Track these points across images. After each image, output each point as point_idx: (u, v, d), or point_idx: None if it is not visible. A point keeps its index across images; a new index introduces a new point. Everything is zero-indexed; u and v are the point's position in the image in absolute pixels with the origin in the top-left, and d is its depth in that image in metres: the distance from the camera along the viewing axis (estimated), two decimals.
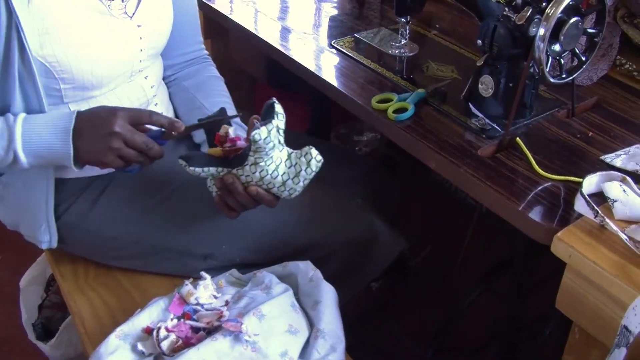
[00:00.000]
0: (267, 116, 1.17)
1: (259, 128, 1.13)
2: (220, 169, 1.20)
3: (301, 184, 1.21)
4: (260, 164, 1.17)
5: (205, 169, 1.19)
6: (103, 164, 1.23)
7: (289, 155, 1.20)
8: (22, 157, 1.21)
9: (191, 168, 1.19)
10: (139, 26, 1.32)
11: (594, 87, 1.51)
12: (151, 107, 1.44)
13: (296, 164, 1.19)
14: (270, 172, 1.18)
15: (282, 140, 1.19)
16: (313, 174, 1.20)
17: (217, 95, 1.53)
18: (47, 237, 1.39)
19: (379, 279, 2.09)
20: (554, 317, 1.83)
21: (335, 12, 1.89)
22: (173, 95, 1.57)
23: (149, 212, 1.38)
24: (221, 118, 1.26)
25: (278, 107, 1.18)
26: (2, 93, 1.22)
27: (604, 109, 1.44)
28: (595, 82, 1.53)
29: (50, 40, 1.19)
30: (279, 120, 1.17)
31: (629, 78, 1.56)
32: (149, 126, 1.26)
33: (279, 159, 1.19)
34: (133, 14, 1.32)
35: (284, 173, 1.20)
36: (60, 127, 1.21)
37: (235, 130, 1.25)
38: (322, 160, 1.20)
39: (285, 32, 1.76)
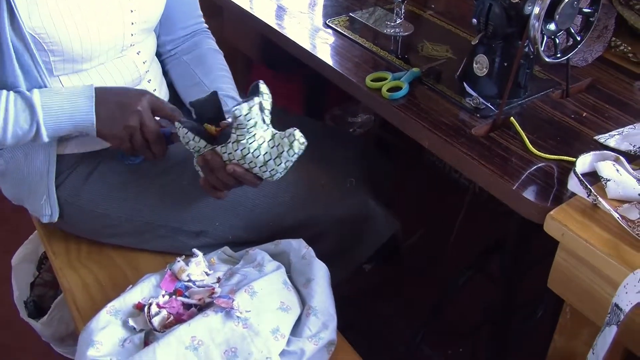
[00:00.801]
0: (252, 95, 1.17)
1: (240, 104, 1.13)
2: (208, 145, 1.21)
3: (283, 165, 1.20)
4: (242, 141, 1.17)
5: (196, 138, 1.20)
6: (114, 137, 1.25)
7: (273, 136, 1.20)
8: (44, 130, 1.22)
9: (183, 129, 1.20)
10: None
11: (588, 68, 1.51)
12: (144, 84, 1.43)
13: (279, 144, 1.19)
14: (251, 150, 1.18)
15: (267, 120, 1.19)
16: (295, 155, 1.20)
17: (216, 70, 1.52)
18: (48, 210, 1.39)
19: (372, 261, 2.09)
20: (546, 298, 1.84)
21: None
22: (172, 71, 1.56)
23: (142, 190, 1.38)
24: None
25: (263, 87, 1.18)
26: (1, 68, 1.21)
27: (599, 89, 1.44)
28: (590, 64, 1.52)
29: (38, 10, 1.18)
30: (264, 99, 1.16)
31: (623, 59, 1.55)
32: (162, 123, 1.27)
33: (262, 138, 1.18)
34: None
35: (266, 153, 1.19)
36: (83, 94, 1.23)
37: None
38: (305, 143, 1.19)
39: (280, 11, 1.75)
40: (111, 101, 1.23)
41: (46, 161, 1.35)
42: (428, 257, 2.22)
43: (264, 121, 1.18)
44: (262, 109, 1.17)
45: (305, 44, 1.57)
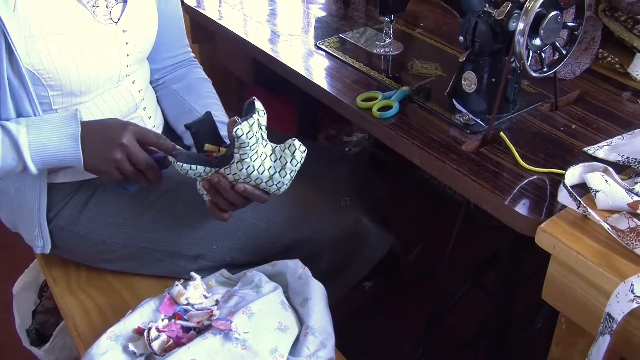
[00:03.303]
0: (248, 113, 1.19)
1: (240, 124, 1.14)
2: (207, 168, 1.22)
3: (288, 176, 1.22)
4: (246, 160, 1.18)
5: (193, 166, 1.21)
6: (102, 172, 1.26)
7: (273, 150, 1.22)
8: (32, 166, 1.23)
9: (179, 164, 1.20)
10: (124, 31, 1.34)
11: (577, 81, 1.53)
12: (139, 112, 1.45)
13: (281, 156, 1.21)
14: (256, 167, 1.19)
15: (264, 135, 1.21)
16: (298, 165, 1.22)
17: (205, 97, 1.55)
18: (40, 242, 1.41)
19: (371, 278, 2.10)
20: (543, 309, 1.85)
21: (321, 13, 1.91)
22: (161, 99, 1.58)
23: (138, 215, 1.40)
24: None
25: (258, 104, 1.19)
26: None
27: (587, 101, 1.45)
28: (579, 76, 1.54)
29: (36, 47, 1.20)
30: (260, 116, 1.18)
31: (611, 71, 1.57)
32: (153, 149, 1.28)
33: (264, 154, 1.20)
34: (118, 19, 1.33)
35: (270, 167, 1.21)
36: (68, 133, 1.24)
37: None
38: (306, 150, 1.22)
39: (271, 34, 1.78)
40: (96, 138, 1.24)
41: (37, 196, 1.37)
42: (425, 271, 2.23)
43: (262, 137, 1.20)
44: (259, 125, 1.18)
45: (296, 67, 1.59)
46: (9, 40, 1.16)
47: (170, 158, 1.21)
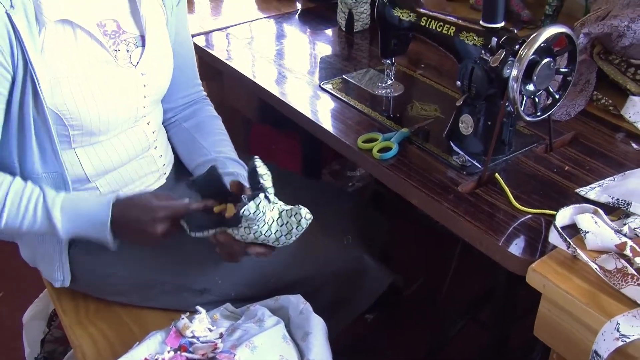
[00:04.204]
0: (252, 181, 1.25)
1: (247, 204, 1.20)
2: (218, 229, 1.29)
3: (293, 238, 1.29)
4: (254, 227, 1.25)
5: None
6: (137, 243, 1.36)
7: (280, 214, 1.27)
8: (62, 234, 1.31)
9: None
10: (142, 74, 1.40)
11: (571, 122, 1.58)
12: (151, 151, 1.51)
13: (287, 222, 1.27)
14: (263, 232, 1.26)
15: (271, 197, 1.26)
16: (303, 230, 1.28)
17: (215, 135, 1.61)
18: (60, 276, 1.46)
19: (373, 311, 2.14)
20: (538, 344, 1.88)
21: (327, 52, 1.97)
22: (173, 137, 1.64)
23: (147, 250, 1.45)
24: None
25: (261, 169, 1.25)
26: (19, 142, 1.29)
27: (581, 143, 1.50)
28: (574, 117, 1.59)
29: (61, 89, 1.26)
30: (264, 180, 1.24)
31: (605, 112, 1.62)
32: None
33: (271, 218, 1.26)
34: (137, 63, 1.39)
35: (277, 231, 1.27)
36: (99, 220, 1.30)
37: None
38: (312, 218, 1.27)
39: (277, 75, 1.84)
40: (130, 232, 1.32)
41: None
42: (425, 303, 2.26)
43: (269, 200, 1.25)
44: (265, 197, 1.23)
45: (301, 107, 1.65)
46: (36, 82, 1.22)
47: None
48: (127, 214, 1.31)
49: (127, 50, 1.38)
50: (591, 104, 1.65)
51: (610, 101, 1.62)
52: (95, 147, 1.39)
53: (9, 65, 1.21)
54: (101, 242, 1.32)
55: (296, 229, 1.26)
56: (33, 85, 1.24)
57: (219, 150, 1.55)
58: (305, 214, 1.26)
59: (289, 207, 1.28)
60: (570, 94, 1.62)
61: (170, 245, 1.44)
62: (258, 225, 1.24)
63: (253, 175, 1.25)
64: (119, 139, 1.42)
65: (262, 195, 1.22)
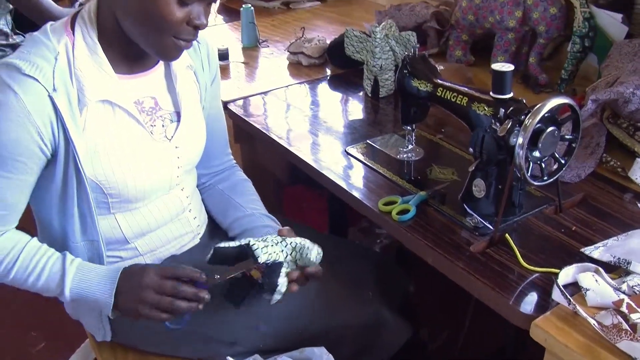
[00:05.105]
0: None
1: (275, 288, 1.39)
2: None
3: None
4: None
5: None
6: (138, 313, 1.38)
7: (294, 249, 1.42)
8: (67, 294, 1.41)
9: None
10: (176, 147, 1.52)
11: (582, 183, 1.66)
12: (185, 214, 1.63)
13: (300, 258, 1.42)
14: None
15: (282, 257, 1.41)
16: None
17: (248, 194, 1.74)
18: (102, 330, 1.58)
19: None
20: None
21: (353, 118, 2.11)
22: (208, 198, 1.77)
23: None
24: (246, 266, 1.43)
25: (261, 256, 1.38)
26: (61, 212, 1.43)
27: (590, 204, 1.59)
28: (584, 178, 1.68)
29: (100, 162, 1.39)
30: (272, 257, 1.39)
31: (613, 174, 1.70)
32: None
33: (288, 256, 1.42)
34: (172, 137, 1.51)
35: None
36: (109, 277, 1.40)
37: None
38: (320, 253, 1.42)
39: (305, 139, 1.96)
40: (123, 287, 1.39)
41: None
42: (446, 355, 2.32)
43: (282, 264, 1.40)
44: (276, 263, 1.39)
45: (326, 171, 1.77)
46: (76, 156, 1.36)
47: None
48: (126, 273, 1.40)
49: (163, 125, 1.50)
50: (601, 165, 1.73)
51: (618, 163, 1.71)
52: (133, 213, 1.51)
53: (47, 146, 1.33)
54: (103, 304, 1.39)
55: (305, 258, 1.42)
56: (74, 159, 1.36)
57: (252, 207, 1.68)
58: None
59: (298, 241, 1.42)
60: (581, 156, 1.71)
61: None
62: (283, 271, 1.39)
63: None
64: (155, 205, 1.54)
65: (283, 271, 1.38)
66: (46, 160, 1.36)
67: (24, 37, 3.02)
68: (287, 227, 1.50)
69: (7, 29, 2.87)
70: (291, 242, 1.41)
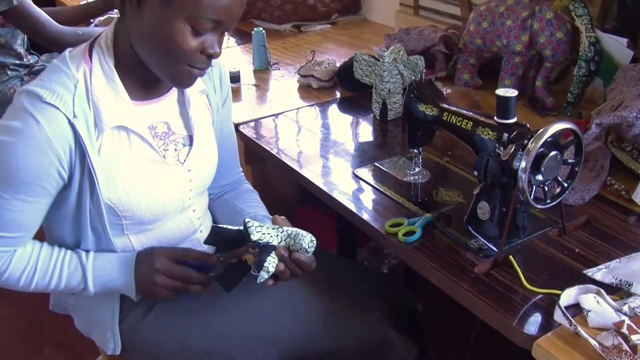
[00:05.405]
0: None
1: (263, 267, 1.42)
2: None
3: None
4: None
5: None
6: (155, 295, 1.50)
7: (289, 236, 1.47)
8: (91, 288, 1.48)
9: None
10: (189, 170, 1.56)
11: (586, 206, 1.69)
12: (197, 235, 1.68)
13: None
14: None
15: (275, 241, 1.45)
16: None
17: (252, 201, 1.78)
18: (112, 344, 1.61)
19: None
20: None
21: (361, 140, 2.15)
22: (215, 207, 1.81)
23: (192, 327, 1.60)
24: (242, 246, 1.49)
25: (255, 234, 1.42)
26: (75, 230, 1.47)
27: (593, 226, 1.61)
28: (588, 201, 1.70)
29: (115, 185, 1.44)
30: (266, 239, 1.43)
31: (617, 197, 1.73)
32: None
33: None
34: (184, 160, 1.56)
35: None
36: (126, 264, 1.49)
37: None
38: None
39: (314, 161, 2.00)
40: (138, 271, 1.50)
41: (111, 303, 1.59)
42: None
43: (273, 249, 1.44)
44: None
45: (334, 193, 1.81)
46: (95, 180, 1.40)
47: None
48: (140, 257, 1.51)
49: (175, 149, 1.54)
50: (605, 188, 1.75)
51: (622, 186, 1.73)
52: (146, 234, 1.56)
53: (65, 170, 1.38)
54: (125, 288, 1.52)
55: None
56: (91, 182, 1.41)
57: (254, 211, 1.72)
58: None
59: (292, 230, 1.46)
60: (586, 179, 1.74)
61: (212, 323, 1.60)
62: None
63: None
64: (168, 226, 1.59)
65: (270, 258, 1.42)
66: (63, 184, 1.41)
67: (38, 57, 3.08)
68: (283, 217, 1.54)
69: (21, 50, 2.91)
70: (287, 229, 1.46)
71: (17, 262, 1.45)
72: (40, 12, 2.73)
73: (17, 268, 1.46)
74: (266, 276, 1.41)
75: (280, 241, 1.44)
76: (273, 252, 1.43)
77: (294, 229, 1.46)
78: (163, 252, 1.50)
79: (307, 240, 1.45)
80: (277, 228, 1.45)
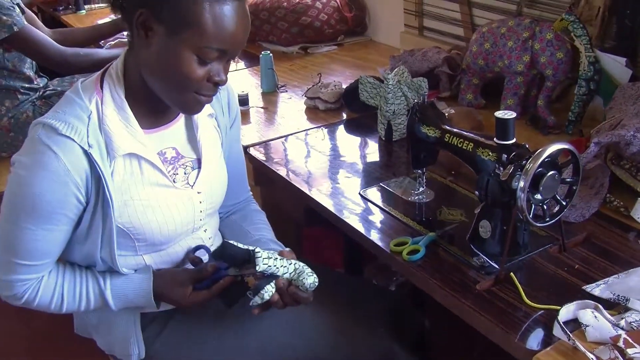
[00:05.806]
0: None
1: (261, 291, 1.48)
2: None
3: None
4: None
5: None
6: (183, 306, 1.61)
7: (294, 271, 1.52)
8: (114, 308, 1.56)
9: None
10: (199, 193, 1.61)
11: (585, 223, 1.73)
12: None
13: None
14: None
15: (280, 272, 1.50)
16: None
17: (259, 223, 1.83)
18: (135, 350, 1.65)
19: None
20: None
21: (367, 161, 2.20)
22: (222, 228, 1.85)
23: (204, 343, 1.66)
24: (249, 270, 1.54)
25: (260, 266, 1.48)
26: (85, 252, 1.53)
27: (593, 243, 1.65)
28: (588, 218, 1.75)
29: (127, 210, 1.49)
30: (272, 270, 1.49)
31: (617, 213, 1.77)
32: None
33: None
34: (194, 183, 1.61)
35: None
36: (144, 290, 1.56)
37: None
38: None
39: (320, 182, 2.06)
40: (166, 297, 1.59)
41: (132, 316, 1.64)
42: None
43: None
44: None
45: (341, 214, 1.86)
46: (111, 205, 1.45)
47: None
48: (163, 284, 1.57)
49: (185, 173, 1.60)
50: (605, 205, 1.79)
51: (622, 203, 1.77)
52: (160, 253, 1.61)
53: (84, 196, 1.44)
54: (145, 306, 1.59)
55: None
56: (104, 206, 1.46)
57: (260, 233, 1.77)
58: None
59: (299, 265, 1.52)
60: (586, 196, 1.79)
61: (223, 339, 1.65)
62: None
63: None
64: (180, 245, 1.64)
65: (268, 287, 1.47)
66: (83, 209, 1.47)
67: (48, 80, 3.13)
68: (289, 249, 1.60)
69: (30, 73, 2.95)
70: (294, 263, 1.51)
71: (44, 289, 1.53)
72: (42, 36, 2.80)
73: (46, 295, 1.53)
74: (259, 302, 1.47)
75: (285, 273, 1.50)
76: (273, 281, 1.48)
77: (301, 265, 1.52)
78: (190, 279, 1.58)
79: (310, 280, 1.50)
80: (286, 260, 1.51)
